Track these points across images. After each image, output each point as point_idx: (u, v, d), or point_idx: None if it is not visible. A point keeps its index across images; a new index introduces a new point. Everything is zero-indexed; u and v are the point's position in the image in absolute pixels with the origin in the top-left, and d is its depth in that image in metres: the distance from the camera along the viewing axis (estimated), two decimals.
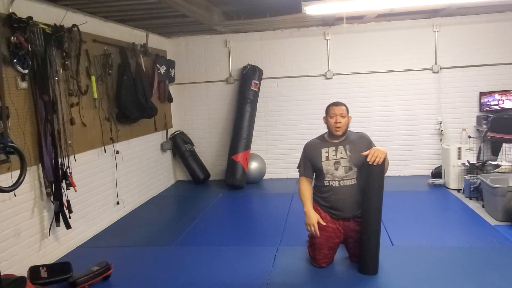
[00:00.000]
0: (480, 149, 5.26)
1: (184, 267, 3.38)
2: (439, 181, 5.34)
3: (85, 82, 4.10)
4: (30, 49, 3.23)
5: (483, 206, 4.36)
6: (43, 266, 3.21)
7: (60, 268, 3.22)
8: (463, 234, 3.80)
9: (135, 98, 4.85)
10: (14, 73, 3.19)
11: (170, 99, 6.07)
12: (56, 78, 3.56)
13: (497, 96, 5.47)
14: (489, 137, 5.11)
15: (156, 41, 5.81)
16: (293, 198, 5.03)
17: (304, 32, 5.98)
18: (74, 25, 3.83)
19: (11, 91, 3.15)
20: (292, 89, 6.10)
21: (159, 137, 5.93)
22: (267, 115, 6.21)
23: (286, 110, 6.15)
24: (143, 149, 5.40)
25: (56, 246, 3.68)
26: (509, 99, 5.41)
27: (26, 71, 3.26)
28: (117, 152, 4.66)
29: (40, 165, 3.43)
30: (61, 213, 3.58)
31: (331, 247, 3.17)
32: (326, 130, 3.22)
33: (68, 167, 3.66)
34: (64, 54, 3.69)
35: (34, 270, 3.14)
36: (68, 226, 3.65)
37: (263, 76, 6.02)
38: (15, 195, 3.16)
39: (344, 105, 3.15)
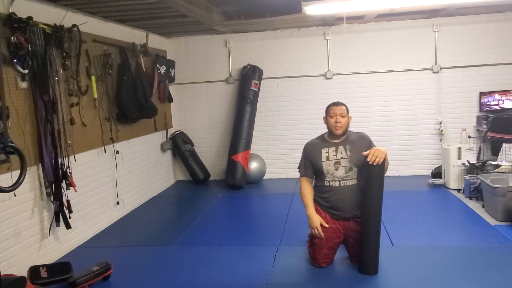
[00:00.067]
0: (480, 149, 5.25)
1: (184, 267, 3.38)
2: (439, 181, 5.33)
3: (85, 82, 4.11)
4: (30, 49, 3.23)
5: (483, 206, 4.36)
6: (43, 266, 3.21)
7: (60, 268, 3.22)
8: (463, 234, 3.79)
9: (135, 98, 4.85)
10: (14, 73, 3.19)
11: (170, 99, 6.07)
12: (56, 78, 3.56)
13: (497, 96, 5.47)
14: (489, 137, 5.11)
15: (156, 41, 5.81)
16: (293, 198, 5.03)
17: (304, 32, 5.98)
18: (74, 25, 3.83)
19: (11, 91, 3.15)
20: (292, 89, 6.09)
21: (159, 137, 5.93)
22: (267, 115, 6.21)
23: (286, 110, 6.14)
24: (143, 149, 5.40)
25: (56, 246, 3.68)
26: (509, 99, 5.41)
27: (26, 71, 3.26)
28: (117, 152, 4.66)
29: (40, 165, 3.43)
30: (61, 213, 3.58)
31: (331, 247, 3.17)
32: (326, 130, 3.22)
33: (68, 167, 3.66)
34: (64, 54, 3.69)
35: (34, 270, 3.14)
36: (68, 226, 3.65)
37: (263, 76, 6.02)
38: (15, 195, 3.16)
39: (344, 105, 3.15)
